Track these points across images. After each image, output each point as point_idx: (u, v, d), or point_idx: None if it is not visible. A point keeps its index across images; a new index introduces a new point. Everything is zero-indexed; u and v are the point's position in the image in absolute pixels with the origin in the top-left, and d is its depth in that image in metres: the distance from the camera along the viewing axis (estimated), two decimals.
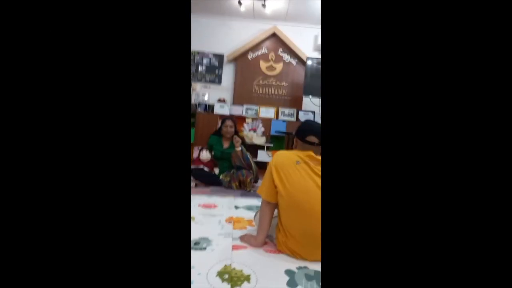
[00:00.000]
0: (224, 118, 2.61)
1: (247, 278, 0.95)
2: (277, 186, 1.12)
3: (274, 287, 0.92)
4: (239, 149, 2.31)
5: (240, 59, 3.81)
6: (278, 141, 3.52)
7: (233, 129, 2.50)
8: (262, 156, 3.38)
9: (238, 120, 3.71)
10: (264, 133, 3.59)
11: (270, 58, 3.78)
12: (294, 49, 3.66)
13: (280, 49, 3.74)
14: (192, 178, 2.32)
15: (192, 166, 2.42)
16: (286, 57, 3.75)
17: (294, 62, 3.74)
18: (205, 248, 1.16)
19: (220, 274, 0.96)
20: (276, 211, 1.19)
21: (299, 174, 1.09)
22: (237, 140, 2.32)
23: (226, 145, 2.51)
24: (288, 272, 1.01)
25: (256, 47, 3.77)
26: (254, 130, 3.61)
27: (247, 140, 3.44)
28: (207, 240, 1.24)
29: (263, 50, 3.78)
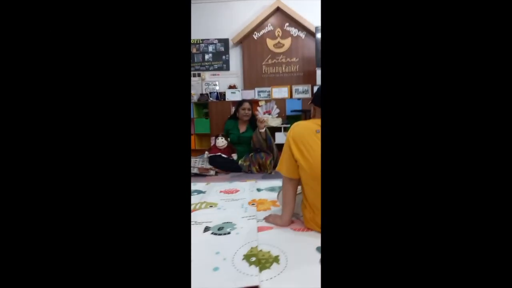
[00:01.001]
0: (240, 101, 2.53)
1: (276, 259, 0.88)
2: (297, 160, 1.03)
3: (306, 266, 0.84)
4: (263, 130, 2.22)
5: (245, 40, 3.67)
6: (295, 121, 3.40)
7: (250, 112, 2.43)
8: (280, 138, 3.27)
9: (252, 104, 3.62)
10: (279, 114, 3.47)
11: (276, 34, 3.60)
12: (301, 21, 3.45)
13: (286, 24, 3.55)
14: (211, 167, 2.29)
15: (210, 154, 2.37)
16: (294, 31, 3.55)
17: (302, 35, 3.54)
18: (229, 233, 1.10)
19: (247, 257, 0.90)
20: (299, 187, 1.11)
21: (320, 143, 0.99)
22: (261, 121, 2.21)
23: (242, 129, 2.44)
24: (320, 249, 0.93)
25: (260, 25, 3.60)
26: (269, 113, 3.49)
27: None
28: (230, 224, 1.18)
29: (269, 27, 3.61)
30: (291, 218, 1.14)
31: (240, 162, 2.31)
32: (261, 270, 0.83)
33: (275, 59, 3.65)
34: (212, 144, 2.46)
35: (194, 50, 3.94)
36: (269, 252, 0.93)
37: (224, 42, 3.83)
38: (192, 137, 3.85)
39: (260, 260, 0.88)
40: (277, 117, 3.47)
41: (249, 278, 0.79)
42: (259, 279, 0.78)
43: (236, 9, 3.71)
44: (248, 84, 3.74)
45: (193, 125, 3.85)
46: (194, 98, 3.86)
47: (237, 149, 2.38)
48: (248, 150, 2.33)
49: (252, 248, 0.96)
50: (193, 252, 0.95)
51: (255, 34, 3.65)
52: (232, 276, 0.80)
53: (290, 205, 1.11)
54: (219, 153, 2.35)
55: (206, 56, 3.93)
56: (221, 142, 2.38)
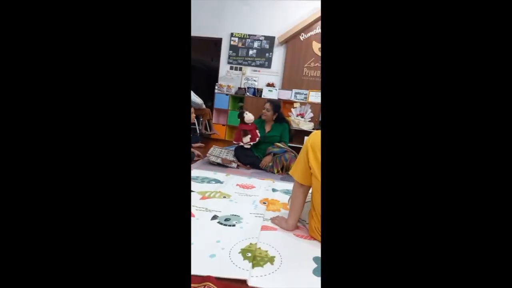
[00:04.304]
0: (266, 100, 2.54)
1: (271, 260, 0.90)
2: (312, 168, 1.03)
3: (298, 273, 0.85)
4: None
5: (291, 40, 3.66)
6: None
7: (270, 113, 2.41)
8: None
9: (286, 105, 3.61)
10: (312, 119, 3.42)
11: None
12: None
13: None
14: (234, 159, 2.35)
15: (234, 143, 2.43)
16: None
17: None
18: (234, 225, 1.14)
19: (244, 251, 0.93)
20: (310, 195, 1.11)
21: None
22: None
23: (268, 128, 2.46)
24: (317, 260, 0.93)
25: (309, 27, 3.56)
26: (302, 116, 3.47)
27: (294, 125, 3.33)
28: (237, 218, 1.22)
29: (317, 30, 3.56)
30: (297, 224, 1.14)
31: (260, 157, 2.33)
32: (254, 266, 0.85)
33: (318, 62, 3.59)
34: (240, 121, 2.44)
35: (240, 44, 4.03)
36: (266, 251, 0.95)
37: (270, 39, 3.86)
38: (224, 128, 3.96)
39: (256, 256, 0.91)
40: (309, 121, 3.42)
41: (240, 271, 0.82)
42: (249, 274, 0.80)
43: (287, 8, 3.71)
44: (287, 84, 3.73)
45: (226, 117, 3.95)
46: (232, 90, 3.96)
47: (260, 147, 2.40)
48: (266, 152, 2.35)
49: (251, 244, 0.99)
50: (196, 236, 1.01)
51: (302, 35, 3.62)
52: (225, 265, 0.84)
53: (298, 210, 1.12)
54: (242, 143, 2.35)
55: (250, 52, 3.99)
56: (249, 117, 2.35)
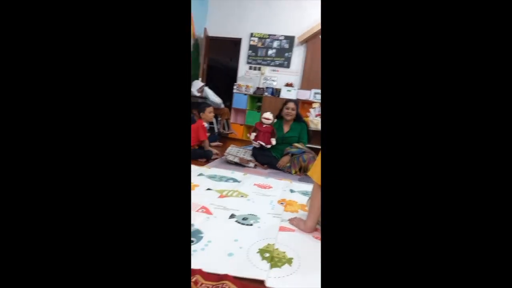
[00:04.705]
0: (286, 100, 2.49)
1: (289, 261, 0.89)
2: None
3: (317, 276, 0.83)
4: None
5: (311, 40, 3.61)
6: None
7: (294, 112, 2.38)
8: None
9: (304, 105, 3.56)
10: None
11: None
12: None
13: None
14: (251, 159, 2.35)
15: (253, 144, 2.42)
16: None
17: None
18: (251, 224, 1.14)
19: (261, 251, 0.92)
20: None
21: None
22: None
23: (286, 129, 2.43)
24: None
25: None
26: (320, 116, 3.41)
27: (312, 126, 3.28)
28: (255, 217, 1.21)
29: None
30: (315, 226, 1.12)
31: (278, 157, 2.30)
32: (272, 267, 0.84)
33: None
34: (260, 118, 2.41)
35: (259, 44, 4.03)
36: (284, 252, 0.94)
37: (290, 39, 3.83)
38: (241, 128, 3.97)
39: (274, 257, 0.90)
40: None
41: (258, 271, 0.81)
42: (267, 275, 0.79)
43: (307, 7, 3.66)
44: (306, 84, 3.69)
45: (244, 116, 3.97)
46: (250, 90, 3.97)
47: (278, 147, 2.38)
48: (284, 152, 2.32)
49: (269, 244, 0.98)
50: (214, 234, 1.01)
51: None
52: (243, 265, 0.84)
53: (316, 212, 1.09)
54: (258, 143, 2.33)
55: (270, 51, 3.98)
56: (269, 115, 2.32)
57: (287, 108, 2.37)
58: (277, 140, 2.34)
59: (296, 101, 2.46)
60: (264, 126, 2.35)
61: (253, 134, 2.36)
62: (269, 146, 2.33)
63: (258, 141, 2.32)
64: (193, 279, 0.74)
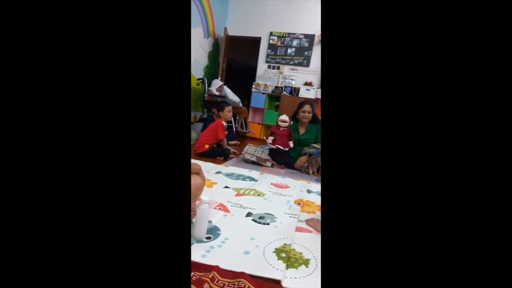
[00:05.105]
0: (301, 102, 2.44)
1: (306, 262, 0.88)
2: None
3: None
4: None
5: None
6: None
7: (311, 115, 2.33)
8: None
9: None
10: None
11: None
12: None
13: None
14: (269, 158, 2.34)
15: (270, 145, 2.42)
16: None
17: None
18: (268, 224, 1.13)
19: (278, 251, 0.92)
20: None
21: None
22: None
23: (302, 131, 2.39)
24: None
25: None
26: None
27: None
28: (271, 216, 1.21)
29: None
30: None
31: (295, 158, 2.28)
32: (288, 267, 0.83)
33: None
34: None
35: (278, 43, 4.01)
36: (301, 253, 0.93)
37: (309, 38, 3.78)
38: (259, 127, 3.98)
39: (290, 258, 0.89)
40: None
41: (274, 271, 0.81)
42: (283, 275, 0.79)
43: None
44: None
45: (262, 115, 3.97)
46: (269, 89, 3.96)
47: (295, 148, 2.35)
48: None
49: (285, 244, 0.97)
50: (231, 232, 1.02)
51: None
52: (259, 264, 0.84)
53: None
54: (275, 146, 2.33)
55: (289, 50, 3.95)
56: (285, 118, 2.30)
57: (303, 111, 2.32)
58: (293, 143, 2.32)
59: (311, 103, 2.41)
60: (281, 129, 2.34)
61: (270, 138, 2.34)
62: (287, 149, 2.32)
63: (276, 145, 2.31)
64: (209, 276, 0.75)
